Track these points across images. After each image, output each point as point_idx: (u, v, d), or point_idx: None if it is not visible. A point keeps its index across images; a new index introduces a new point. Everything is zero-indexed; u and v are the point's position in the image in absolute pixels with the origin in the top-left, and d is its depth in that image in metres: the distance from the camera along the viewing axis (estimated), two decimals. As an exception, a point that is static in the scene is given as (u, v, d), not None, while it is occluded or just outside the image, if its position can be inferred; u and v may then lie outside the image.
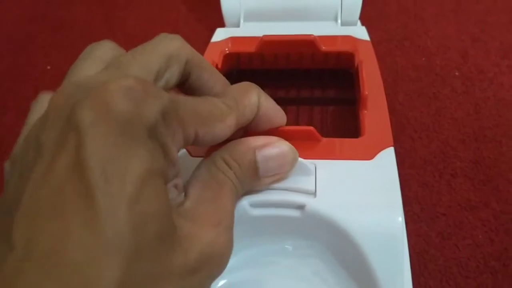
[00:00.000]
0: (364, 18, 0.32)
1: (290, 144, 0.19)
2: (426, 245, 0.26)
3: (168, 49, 0.18)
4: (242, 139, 0.19)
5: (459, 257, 0.26)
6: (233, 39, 0.29)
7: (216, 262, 0.16)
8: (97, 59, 0.17)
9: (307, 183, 0.20)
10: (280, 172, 0.19)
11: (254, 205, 0.20)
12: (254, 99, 0.19)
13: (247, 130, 0.20)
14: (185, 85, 0.19)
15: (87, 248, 0.12)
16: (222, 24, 0.32)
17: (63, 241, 0.12)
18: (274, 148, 0.19)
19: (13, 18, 0.47)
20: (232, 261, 0.20)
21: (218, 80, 0.20)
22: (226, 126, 0.17)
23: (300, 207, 0.19)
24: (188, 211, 0.16)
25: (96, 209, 0.12)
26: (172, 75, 0.18)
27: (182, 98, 0.16)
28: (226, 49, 0.29)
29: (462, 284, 0.25)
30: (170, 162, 0.15)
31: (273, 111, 0.20)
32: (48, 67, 0.41)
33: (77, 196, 0.12)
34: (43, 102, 0.16)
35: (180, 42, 0.18)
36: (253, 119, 0.19)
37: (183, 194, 0.17)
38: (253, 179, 0.19)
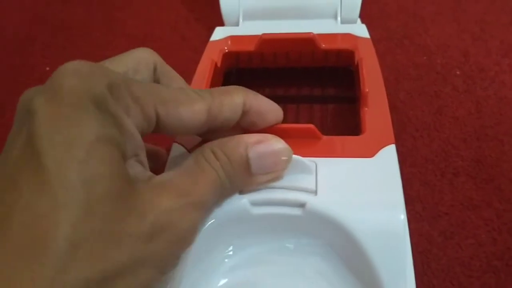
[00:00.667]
0: (364, 17, 0.32)
1: (284, 143, 0.19)
2: (429, 244, 0.26)
3: (136, 56, 0.19)
4: (235, 136, 0.19)
5: (462, 256, 0.26)
6: (233, 38, 0.29)
7: (174, 235, 0.15)
8: None
9: (307, 181, 0.20)
10: (274, 171, 0.19)
11: (255, 204, 0.19)
12: (238, 99, 0.19)
13: (244, 130, 0.20)
14: None
15: (36, 209, 0.12)
16: (221, 24, 0.32)
17: (11, 207, 0.12)
18: (268, 145, 0.18)
19: (13, 19, 0.47)
20: (233, 260, 0.20)
21: (184, 83, 0.21)
22: (193, 112, 0.17)
23: (301, 205, 0.19)
24: (156, 182, 0.16)
25: (45, 173, 0.13)
26: (143, 80, 0.19)
27: (140, 81, 0.17)
28: (226, 47, 0.28)
29: (465, 283, 0.25)
30: (125, 134, 0.15)
31: (265, 108, 0.20)
32: (47, 68, 0.40)
33: (28, 166, 0.13)
34: None
35: (149, 51, 0.20)
36: (242, 119, 0.19)
37: (147, 171, 0.17)
38: (245, 176, 0.18)
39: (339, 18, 0.30)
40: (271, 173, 0.19)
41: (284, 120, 0.21)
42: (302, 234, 0.20)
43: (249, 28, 0.30)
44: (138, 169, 0.16)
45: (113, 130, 0.15)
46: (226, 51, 0.28)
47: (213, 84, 0.26)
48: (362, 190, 0.19)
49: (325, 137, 0.22)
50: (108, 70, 0.16)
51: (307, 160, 0.20)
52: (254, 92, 0.20)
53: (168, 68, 0.21)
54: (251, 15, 0.31)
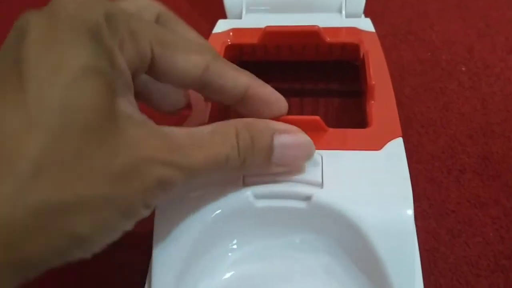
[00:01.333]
0: (368, 13, 0.31)
1: (309, 138, 0.18)
2: (436, 242, 0.26)
3: (138, 3, 0.19)
4: (263, 119, 0.18)
5: (470, 255, 0.25)
6: (235, 31, 0.29)
7: (143, 185, 0.14)
8: None
9: (313, 174, 0.19)
10: (292, 165, 0.18)
11: (259, 197, 0.19)
12: (243, 79, 0.18)
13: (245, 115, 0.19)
14: None
15: (8, 127, 0.12)
16: (224, 18, 0.32)
17: None
18: (294, 137, 0.18)
19: (13, 20, 0.46)
20: (238, 254, 0.19)
21: (193, 33, 0.20)
22: (190, 61, 0.17)
23: (307, 198, 0.19)
24: (147, 127, 0.15)
25: (25, 93, 0.13)
26: (148, 17, 0.18)
27: (143, 18, 0.17)
28: (228, 40, 0.28)
29: (473, 282, 0.24)
30: (116, 69, 0.15)
31: (270, 98, 0.19)
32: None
33: (10, 84, 0.13)
34: None
35: (152, 1, 0.19)
36: (245, 105, 0.19)
37: (143, 116, 0.16)
38: (263, 162, 0.18)
39: (343, 12, 0.30)
40: (288, 166, 0.18)
41: (288, 114, 0.21)
42: (307, 228, 0.19)
43: (252, 20, 0.30)
44: (127, 109, 0.15)
45: (105, 63, 0.14)
46: (229, 43, 0.28)
47: None
48: (369, 183, 0.19)
49: (331, 130, 0.21)
50: (108, 1, 0.15)
51: None
52: (263, 82, 0.19)
53: (172, 14, 0.20)
54: (254, 8, 0.30)
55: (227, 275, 0.19)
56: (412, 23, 0.38)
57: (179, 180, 0.15)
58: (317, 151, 0.20)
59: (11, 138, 0.12)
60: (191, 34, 0.21)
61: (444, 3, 0.40)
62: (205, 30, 0.40)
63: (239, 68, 0.19)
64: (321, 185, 0.19)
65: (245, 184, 0.19)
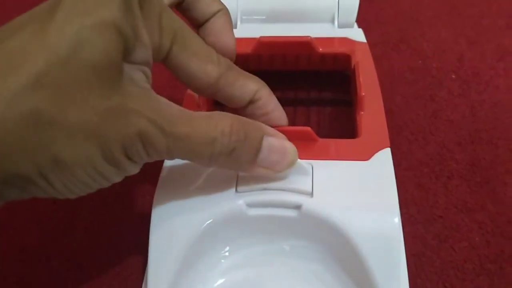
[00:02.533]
0: (361, 21, 0.32)
1: (294, 147, 0.19)
2: (423, 247, 0.26)
3: None
4: (255, 121, 0.19)
5: (456, 259, 0.26)
6: (230, 40, 0.29)
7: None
8: None
9: (303, 183, 0.20)
10: (274, 169, 0.19)
11: (251, 205, 0.19)
12: (252, 86, 0.19)
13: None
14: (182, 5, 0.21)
15: (29, 42, 0.14)
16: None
17: (11, 36, 0.14)
18: (281, 141, 0.19)
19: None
20: (230, 261, 0.20)
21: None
22: (203, 70, 0.18)
23: (297, 207, 0.19)
24: (146, 91, 0.16)
25: (52, 20, 0.14)
26: None
27: (169, 9, 0.18)
28: (223, 50, 0.28)
29: (459, 286, 0.25)
30: (137, 37, 0.16)
31: (272, 108, 0.20)
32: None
33: (47, 12, 0.14)
34: None
35: None
36: (248, 108, 0.20)
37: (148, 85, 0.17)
38: (250, 159, 0.18)
39: (336, 22, 0.31)
40: (270, 170, 0.19)
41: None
42: (298, 236, 0.20)
43: (247, 30, 0.30)
44: (138, 77, 0.16)
45: (129, 28, 0.15)
46: (224, 53, 0.28)
47: None
48: (357, 192, 0.20)
49: (321, 140, 0.22)
50: None
51: (303, 162, 0.20)
52: (271, 92, 0.20)
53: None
54: (248, 18, 0.31)
55: (220, 281, 0.20)
56: (404, 32, 0.39)
57: (159, 141, 0.16)
58: (307, 160, 0.21)
59: (24, 50, 0.14)
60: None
61: (436, 12, 0.40)
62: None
63: (251, 77, 0.20)
64: (311, 194, 0.20)
65: (238, 191, 0.20)
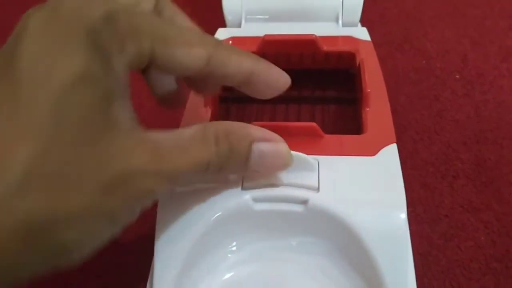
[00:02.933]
0: (364, 21, 0.32)
1: (288, 147, 0.19)
2: (429, 246, 0.26)
3: None
4: (244, 124, 0.18)
5: (462, 258, 0.26)
6: (234, 39, 0.29)
7: (131, 195, 0.14)
8: None
9: (310, 178, 0.20)
10: (269, 171, 0.19)
11: (257, 200, 0.19)
12: (247, 63, 0.18)
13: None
14: None
15: (1, 134, 0.12)
16: (223, 27, 0.32)
17: None
18: (272, 146, 0.18)
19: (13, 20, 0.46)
20: (237, 256, 0.20)
21: (189, 22, 0.20)
22: (190, 54, 0.16)
23: (303, 202, 0.19)
24: (137, 135, 0.15)
25: (18, 99, 0.12)
26: (147, 8, 0.18)
27: (141, 12, 0.16)
28: (228, 48, 0.28)
29: (465, 285, 0.25)
30: (112, 74, 0.14)
31: (274, 78, 0.19)
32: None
33: (5, 89, 0.13)
34: None
35: None
36: (249, 86, 0.19)
37: (134, 121, 0.16)
38: (240, 168, 0.18)
39: (340, 21, 0.31)
40: (264, 172, 0.19)
41: (286, 120, 0.21)
42: (305, 232, 0.20)
43: (251, 29, 0.30)
44: (125, 114, 0.15)
45: (100, 68, 0.14)
46: (228, 51, 0.28)
47: None
48: (364, 188, 0.20)
49: (327, 136, 0.22)
50: (113, 0, 0.15)
51: (309, 157, 0.20)
52: (267, 63, 0.19)
53: (171, 5, 0.19)
54: (253, 17, 0.31)
55: (227, 275, 0.19)
56: (408, 32, 0.39)
57: (164, 188, 0.15)
58: (313, 156, 0.20)
59: (2, 144, 0.12)
60: (188, 23, 0.20)
61: (439, 12, 0.40)
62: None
63: (242, 52, 0.18)
64: (317, 189, 0.19)
65: (244, 188, 0.20)
